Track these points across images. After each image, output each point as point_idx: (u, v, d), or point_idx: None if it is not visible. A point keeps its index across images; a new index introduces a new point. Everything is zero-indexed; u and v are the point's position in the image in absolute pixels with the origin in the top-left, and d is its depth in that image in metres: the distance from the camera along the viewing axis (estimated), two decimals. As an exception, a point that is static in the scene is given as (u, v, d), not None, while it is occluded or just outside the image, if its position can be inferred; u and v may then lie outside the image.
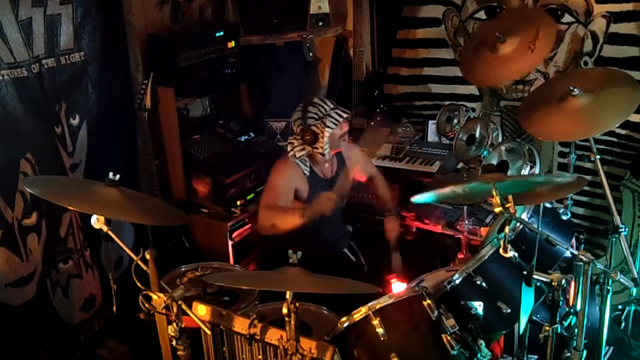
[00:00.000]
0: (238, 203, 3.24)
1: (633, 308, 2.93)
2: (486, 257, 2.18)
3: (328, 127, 2.68)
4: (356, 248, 3.09)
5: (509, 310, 2.08)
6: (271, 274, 1.83)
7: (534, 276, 1.95)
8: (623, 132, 3.17)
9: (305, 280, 1.77)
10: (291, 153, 2.78)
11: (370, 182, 3.11)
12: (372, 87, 3.74)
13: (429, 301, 1.99)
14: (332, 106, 2.74)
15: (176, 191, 3.27)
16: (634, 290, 2.75)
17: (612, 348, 2.87)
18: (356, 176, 2.94)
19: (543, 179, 2.15)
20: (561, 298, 1.97)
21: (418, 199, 2.18)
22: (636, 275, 2.68)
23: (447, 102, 3.38)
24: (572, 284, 2.04)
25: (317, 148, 2.74)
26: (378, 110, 3.74)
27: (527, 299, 2.15)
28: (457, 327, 1.96)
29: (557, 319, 1.98)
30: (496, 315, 2.08)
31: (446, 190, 2.08)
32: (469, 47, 3.25)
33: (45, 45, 2.67)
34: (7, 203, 2.60)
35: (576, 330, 2.01)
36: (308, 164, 2.82)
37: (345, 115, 2.74)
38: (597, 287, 2.49)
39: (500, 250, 1.97)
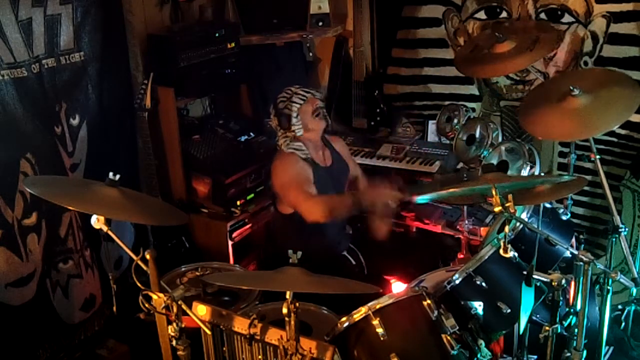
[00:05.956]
0: (238, 203, 3.24)
1: (633, 308, 2.92)
2: (486, 257, 2.17)
3: (295, 102, 2.77)
4: (356, 250, 3.08)
5: (509, 310, 2.07)
6: (271, 274, 1.83)
7: (534, 276, 1.96)
8: (623, 132, 3.17)
9: (305, 280, 1.77)
10: (283, 145, 2.82)
11: (353, 182, 3.10)
12: (372, 87, 3.74)
13: (429, 301, 1.99)
14: (297, 87, 2.83)
15: (176, 191, 3.27)
16: (634, 290, 2.75)
17: (612, 348, 2.87)
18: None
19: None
20: (561, 298, 1.97)
21: (420, 198, 2.18)
22: (636, 275, 2.69)
23: (447, 102, 3.37)
24: (572, 284, 2.04)
25: (293, 131, 2.78)
26: (378, 110, 3.75)
27: (527, 299, 2.15)
28: (457, 327, 1.95)
29: (557, 319, 1.98)
30: (496, 315, 2.07)
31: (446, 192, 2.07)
32: (466, 46, 3.26)
33: (45, 45, 2.67)
34: (7, 203, 2.60)
35: (576, 330, 2.01)
36: (304, 148, 2.81)
37: (311, 91, 2.82)
38: (597, 287, 2.49)
39: (500, 250, 1.97)
